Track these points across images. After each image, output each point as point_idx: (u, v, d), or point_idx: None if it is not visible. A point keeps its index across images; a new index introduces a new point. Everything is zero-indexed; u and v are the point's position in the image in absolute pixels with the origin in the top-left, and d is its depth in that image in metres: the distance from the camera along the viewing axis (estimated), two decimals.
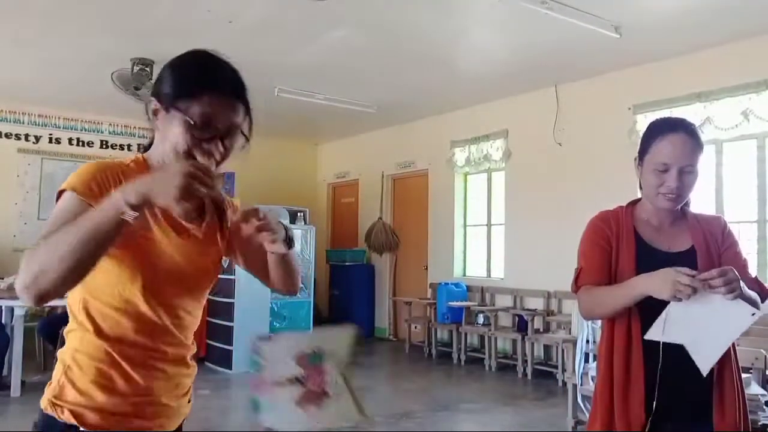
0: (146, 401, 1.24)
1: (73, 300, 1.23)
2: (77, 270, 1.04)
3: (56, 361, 1.26)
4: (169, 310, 1.25)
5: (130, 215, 1.02)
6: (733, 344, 1.71)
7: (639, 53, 5.50)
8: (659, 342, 1.59)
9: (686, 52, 5.40)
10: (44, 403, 1.21)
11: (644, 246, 1.75)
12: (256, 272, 1.47)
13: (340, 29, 5.11)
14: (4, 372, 5.29)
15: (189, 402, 1.36)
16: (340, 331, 1.33)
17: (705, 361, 1.56)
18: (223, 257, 1.40)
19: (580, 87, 6.32)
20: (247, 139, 1.27)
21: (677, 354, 1.59)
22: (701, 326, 1.54)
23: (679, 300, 1.50)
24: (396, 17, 4.85)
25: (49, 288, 1.03)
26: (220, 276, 1.43)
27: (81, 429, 1.18)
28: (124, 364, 1.20)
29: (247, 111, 1.27)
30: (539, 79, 6.38)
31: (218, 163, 1.24)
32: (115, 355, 1.20)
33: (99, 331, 1.20)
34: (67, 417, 1.18)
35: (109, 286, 1.20)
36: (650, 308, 1.58)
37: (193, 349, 1.36)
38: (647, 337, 1.59)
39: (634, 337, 1.67)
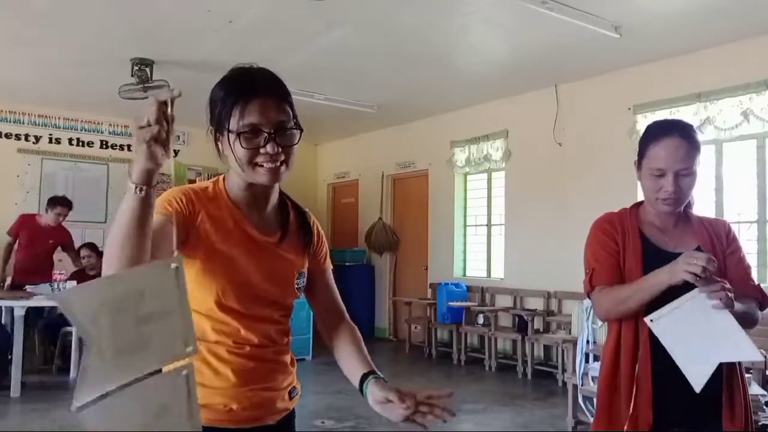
0: (236, 392, 1.35)
1: None
2: (130, 249, 1.12)
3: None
4: (247, 315, 1.37)
5: (140, 190, 1.11)
6: None
7: (639, 53, 5.50)
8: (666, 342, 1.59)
9: (686, 52, 5.40)
10: None
11: (650, 246, 1.74)
12: (313, 306, 1.59)
13: (340, 29, 5.10)
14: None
15: (291, 399, 1.46)
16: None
17: (696, 377, 1.53)
18: (302, 270, 1.47)
19: (580, 87, 6.32)
20: (301, 130, 1.35)
21: None
22: (696, 339, 1.53)
23: (695, 277, 1.48)
24: (396, 17, 4.85)
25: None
26: None
27: None
28: (211, 359, 1.34)
29: (291, 106, 1.35)
30: (539, 79, 6.38)
31: (285, 163, 1.33)
32: (204, 352, 1.34)
33: None
34: None
35: (193, 294, 1.31)
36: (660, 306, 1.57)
37: (286, 352, 1.47)
38: (647, 317, 1.57)
39: (642, 337, 1.66)
